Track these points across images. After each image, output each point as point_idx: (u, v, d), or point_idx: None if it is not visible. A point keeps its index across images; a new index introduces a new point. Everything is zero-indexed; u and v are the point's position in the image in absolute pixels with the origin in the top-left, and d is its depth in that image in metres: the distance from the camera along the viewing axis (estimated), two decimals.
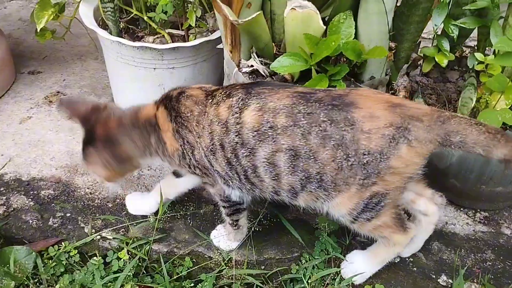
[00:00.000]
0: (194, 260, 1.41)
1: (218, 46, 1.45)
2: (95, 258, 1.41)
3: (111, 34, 1.56)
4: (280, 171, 1.10)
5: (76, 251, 1.42)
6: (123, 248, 1.41)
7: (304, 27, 1.21)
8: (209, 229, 1.44)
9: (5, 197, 1.52)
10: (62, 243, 1.43)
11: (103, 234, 1.44)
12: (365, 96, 1.07)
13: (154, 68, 1.57)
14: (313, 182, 1.10)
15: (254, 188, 1.17)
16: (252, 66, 1.32)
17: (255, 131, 1.07)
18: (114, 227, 1.46)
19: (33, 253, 1.39)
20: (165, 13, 1.61)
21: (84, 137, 1.25)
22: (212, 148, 1.13)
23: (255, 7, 1.28)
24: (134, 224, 1.46)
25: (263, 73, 1.29)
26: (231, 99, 1.10)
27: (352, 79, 1.29)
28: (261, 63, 1.30)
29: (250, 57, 1.36)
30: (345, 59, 1.25)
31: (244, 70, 1.28)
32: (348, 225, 1.21)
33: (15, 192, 1.54)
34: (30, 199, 1.53)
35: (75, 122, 1.27)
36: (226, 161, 1.13)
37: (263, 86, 1.10)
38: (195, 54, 1.57)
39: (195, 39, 1.56)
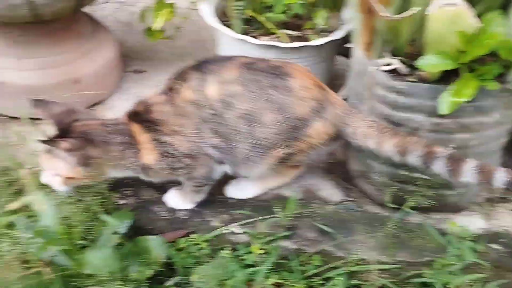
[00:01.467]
0: (323, 259, 1.42)
1: (348, 45, 1.46)
2: (225, 251, 1.44)
3: (235, 32, 1.59)
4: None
5: (207, 243, 1.46)
6: (250, 243, 1.44)
7: (451, 25, 1.21)
8: (336, 229, 1.45)
9: (133, 189, 1.57)
10: (192, 235, 1.47)
11: (232, 229, 1.47)
12: (298, 71, 1.29)
13: None
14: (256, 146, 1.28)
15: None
16: (389, 64, 1.32)
17: (221, 101, 1.24)
18: (241, 222, 1.48)
19: (166, 243, 1.43)
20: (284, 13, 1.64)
21: (55, 135, 1.27)
22: (197, 127, 1.27)
23: (395, 4, 1.29)
24: (260, 219, 1.48)
25: (402, 71, 1.29)
26: (189, 83, 1.26)
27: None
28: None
29: (382, 56, 1.37)
30: (493, 59, 1.24)
31: (383, 68, 1.29)
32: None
33: (141, 184, 1.59)
34: (157, 192, 1.57)
35: (49, 122, 1.30)
36: (212, 131, 1.27)
37: (211, 64, 1.27)
38: (316, 53, 1.60)
39: (317, 39, 1.58)
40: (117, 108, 1.91)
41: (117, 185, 1.55)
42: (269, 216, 1.47)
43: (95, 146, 1.26)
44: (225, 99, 1.24)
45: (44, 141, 1.23)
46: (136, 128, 1.32)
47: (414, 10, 1.15)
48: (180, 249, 1.45)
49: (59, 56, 1.74)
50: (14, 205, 1.11)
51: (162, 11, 1.71)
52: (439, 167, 1.20)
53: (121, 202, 1.53)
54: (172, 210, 1.51)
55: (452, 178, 1.19)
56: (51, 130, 1.32)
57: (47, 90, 1.67)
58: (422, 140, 1.23)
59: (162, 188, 1.58)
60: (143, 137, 1.31)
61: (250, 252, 1.42)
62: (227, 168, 1.42)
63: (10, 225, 1.35)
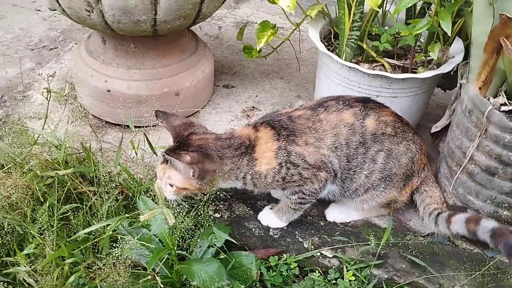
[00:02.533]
0: None
1: (460, 81, 1.46)
2: (314, 273, 1.46)
3: (345, 60, 1.62)
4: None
5: (296, 264, 1.48)
6: (342, 268, 1.45)
7: None
8: (427, 262, 1.45)
9: (227, 203, 1.62)
10: (283, 254, 1.50)
11: (323, 252, 1.49)
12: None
13: (377, 96, 1.61)
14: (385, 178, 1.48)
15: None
16: (506, 104, 1.31)
17: (372, 134, 1.40)
18: (332, 246, 1.50)
19: (258, 260, 1.47)
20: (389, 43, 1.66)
21: (172, 146, 1.33)
22: (336, 145, 1.39)
23: None
24: (351, 245, 1.50)
25: None
26: (354, 109, 1.41)
27: None
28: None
29: (496, 95, 1.36)
30: None
31: (502, 108, 1.28)
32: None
33: (235, 200, 1.64)
34: (249, 208, 1.61)
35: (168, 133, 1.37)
36: (346, 156, 1.40)
37: (373, 103, 1.45)
38: (419, 85, 1.60)
39: (424, 71, 1.58)
40: (209, 122, 1.98)
41: (212, 198, 1.61)
42: (363, 243, 1.48)
43: (212, 161, 1.32)
44: (376, 134, 1.41)
45: (167, 153, 1.29)
46: (266, 134, 1.38)
47: None
48: (270, 267, 1.49)
49: (165, 68, 1.82)
50: (145, 217, 1.17)
51: (266, 32, 1.76)
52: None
53: (216, 215, 1.58)
54: (265, 228, 1.55)
55: None
56: (168, 141, 1.39)
57: (150, 100, 1.74)
58: None
59: (255, 205, 1.62)
60: (269, 144, 1.37)
61: (342, 277, 1.43)
62: (333, 189, 1.48)
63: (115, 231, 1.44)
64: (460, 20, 1.56)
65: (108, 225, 1.40)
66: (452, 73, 1.61)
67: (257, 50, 1.83)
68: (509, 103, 1.32)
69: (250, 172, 1.38)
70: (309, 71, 2.30)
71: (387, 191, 1.48)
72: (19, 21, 2.74)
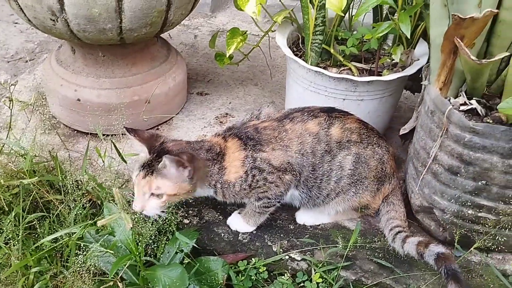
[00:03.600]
0: None
1: (423, 83, 1.48)
2: (283, 276, 1.46)
3: (310, 64, 1.64)
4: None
5: (265, 268, 1.48)
6: (311, 270, 1.45)
7: None
8: (395, 263, 1.46)
9: (197, 209, 1.62)
10: (252, 258, 1.50)
11: (292, 255, 1.49)
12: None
13: (344, 99, 1.62)
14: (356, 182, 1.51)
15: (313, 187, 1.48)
16: (466, 104, 1.33)
17: (337, 142, 1.43)
18: (301, 249, 1.50)
19: (227, 265, 1.46)
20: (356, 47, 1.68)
21: (150, 157, 1.33)
22: (302, 152, 1.42)
23: (477, 48, 1.30)
24: (319, 248, 1.50)
25: (479, 112, 1.30)
26: (318, 119, 1.44)
27: None
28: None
29: (457, 96, 1.38)
30: None
31: (461, 108, 1.30)
32: None
33: (205, 205, 1.64)
34: (219, 213, 1.61)
35: (141, 145, 1.37)
36: (312, 166, 1.43)
37: (337, 113, 1.48)
38: (385, 88, 1.62)
39: (389, 74, 1.60)
40: (182, 129, 1.99)
41: (181, 204, 1.61)
42: (332, 245, 1.48)
43: (198, 159, 1.34)
44: (342, 141, 1.45)
45: (169, 155, 1.27)
46: (233, 145, 1.42)
47: (502, 55, 1.16)
48: (239, 272, 1.48)
49: (135, 77, 1.83)
50: (103, 221, 1.17)
51: (235, 39, 1.77)
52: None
53: (185, 221, 1.58)
54: (234, 233, 1.55)
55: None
56: (137, 149, 1.39)
57: (120, 109, 1.74)
58: None
59: (225, 211, 1.62)
60: (236, 154, 1.40)
61: (310, 280, 1.43)
62: (297, 195, 1.50)
63: (81, 238, 1.43)
64: (422, 23, 1.58)
65: (73, 233, 1.40)
66: (420, 76, 1.63)
67: (228, 56, 1.84)
68: (469, 103, 1.34)
69: (220, 181, 1.40)
70: (283, 78, 2.32)
71: (359, 195, 1.49)
72: None
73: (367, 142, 1.48)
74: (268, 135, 1.43)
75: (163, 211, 1.35)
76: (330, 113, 1.48)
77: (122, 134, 1.63)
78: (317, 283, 1.41)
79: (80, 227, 1.40)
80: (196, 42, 2.65)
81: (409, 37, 1.44)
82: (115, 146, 1.57)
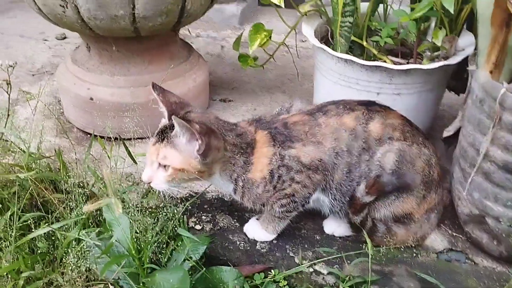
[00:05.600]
0: None
1: (469, 68, 1.29)
2: None
3: (340, 52, 1.47)
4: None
5: (286, 282, 1.28)
6: (338, 286, 1.24)
7: None
8: (441, 281, 1.23)
9: (210, 215, 1.45)
10: (271, 271, 1.30)
11: (316, 268, 1.29)
12: None
13: (378, 93, 1.44)
14: None
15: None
16: None
17: (377, 139, 1.23)
18: (327, 260, 1.30)
19: (241, 277, 1.27)
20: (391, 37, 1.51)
21: (166, 125, 1.17)
22: (337, 150, 1.23)
23: None
24: (348, 261, 1.29)
25: None
26: (355, 112, 1.26)
27: None
28: None
29: (511, 80, 1.18)
30: None
31: None
32: None
33: (220, 211, 1.46)
34: (235, 220, 1.44)
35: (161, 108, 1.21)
36: (347, 166, 1.24)
37: (378, 106, 1.29)
38: (424, 80, 1.43)
39: (428, 63, 1.41)
40: None
41: (194, 209, 1.44)
42: (364, 260, 1.27)
43: (216, 137, 1.16)
44: (382, 138, 1.25)
45: (178, 118, 1.11)
46: (262, 138, 1.24)
47: None
48: (255, 286, 1.29)
49: (152, 75, 1.71)
50: (90, 207, 1.02)
51: (259, 34, 1.64)
52: None
53: (197, 227, 1.40)
54: (252, 242, 1.37)
55: None
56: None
57: (136, 109, 1.62)
58: None
59: (242, 217, 1.44)
60: (265, 150, 1.23)
61: None
62: (327, 202, 1.31)
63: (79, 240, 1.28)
64: (467, 6, 1.40)
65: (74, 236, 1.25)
66: (466, 75, 1.44)
67: (251, 57, 1.70)
68: None
69: (243, 178, 1.23)
70: (312, 86, 2.16)
71: (403, 200, 1.28)
72: (24, 51, 2.72)
73: (412, 141, 1.27)
74: (298, 131, 1.25)
75: (173, 187, 1.19)
76: (369, 106, 1.29)
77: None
78: None
79: (77, 228, 1.25)
80: (223, 52, 2.54)
81: (452, 11, 1.25)
82: (125, 146, 1.44)
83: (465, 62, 1.42)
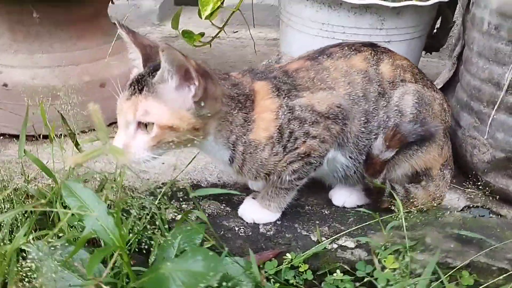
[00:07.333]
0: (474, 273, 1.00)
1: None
2: (335, 274, 1.00)
3: None
4: None
5: (307, 266, 1.02)
6: (372, 260, 1.01)
7: None
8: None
9: (192, 202, 1.14)
10: (286, 255, 1.03)
11: (340, 242, 1.04)
12: None
13: None
14: None
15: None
16: None
17: (390, 82, 1.07)
18: (350, 234, 1.06)
19: (251, 268, 0.98)
20: None
21: (143, 72, 0.91)
22: (352, 97, 1.05)
23: None
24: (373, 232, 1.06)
25: None
26: (363, 53, 1.09)
27: None
28: None
29: None
30: None
31: None
32: None
33: (201, 197, 1.17)
34: (224, 205, 1.15)
35: (132, 49, 0.95)
36: (365, 114, 1.06)
37: (382, 48, 1.13)
38: (415, 24, 1.30)
39: None
40: None
41: (168, 200, 1.13)
42: (392, 222, 1.05)
43: (213, 81, 0.92)
44: (395, 81, 1.09)
45: (171, 47, 0.82)
46: (262, 89, 1.01)
47: None
48: (269, 278, 1.00)
49: (82, 51, 1.38)
50: (78, 158, 0.67)
51: None
52: None
53: (178, 218, 1.09)
54: (252, 226, 1.09)
55: None
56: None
57: (66, 93, 1.27)
58: None
59: (230, 201, 1.16)
60: (268, 102, 1.00)
61: (375, 269, 0.98)
62: (343, 161, 1.09)
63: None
64: None
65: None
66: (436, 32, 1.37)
67: (203, 19, 1.45)
68: None
69: (243, 140, 0.98)
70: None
71: (426, 149, 1.11)
72: None
73: (423, 84, 1.11)
74: (302, 78, 1.05)
75: (157, 155, 0.90)
76: (374, 47, 1.12)
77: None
78: (394, 269, 0.95)
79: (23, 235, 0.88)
80: None
81: None
82: (65, 121, 1.09)
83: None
